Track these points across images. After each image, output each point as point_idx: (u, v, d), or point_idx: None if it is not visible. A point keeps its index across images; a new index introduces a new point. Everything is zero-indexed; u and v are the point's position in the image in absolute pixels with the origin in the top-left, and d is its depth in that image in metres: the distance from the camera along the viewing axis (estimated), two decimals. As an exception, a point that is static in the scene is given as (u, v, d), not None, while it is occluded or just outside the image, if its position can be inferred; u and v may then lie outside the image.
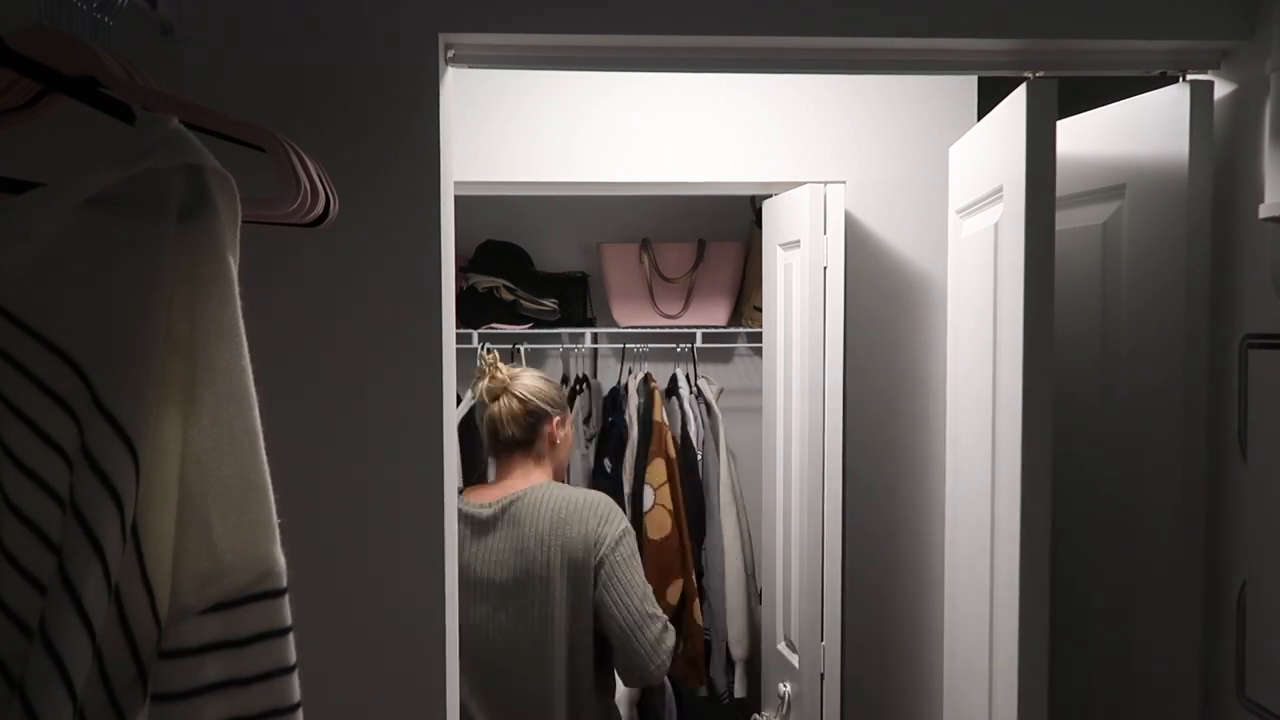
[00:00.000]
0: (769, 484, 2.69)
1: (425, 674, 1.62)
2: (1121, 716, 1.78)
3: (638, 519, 3.07)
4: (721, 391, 3.35)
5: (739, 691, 3.17)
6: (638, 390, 3.23)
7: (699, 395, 3.27)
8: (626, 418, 3.21)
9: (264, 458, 0.85)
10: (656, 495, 3.07)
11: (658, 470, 3.09)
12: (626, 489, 3.13)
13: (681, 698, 3.19)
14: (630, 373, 3.40)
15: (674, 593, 3.05)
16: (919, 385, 2.47)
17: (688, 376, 3.33)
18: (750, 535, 3.21)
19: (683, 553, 3.07)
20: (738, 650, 3.15)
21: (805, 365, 2.36)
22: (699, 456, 3.20)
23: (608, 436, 3.22)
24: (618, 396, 3.29)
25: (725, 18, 1.58)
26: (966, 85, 2.44)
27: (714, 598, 3.14)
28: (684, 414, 3.24)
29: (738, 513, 3.20)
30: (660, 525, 3.07)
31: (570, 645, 2.11)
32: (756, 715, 2.62)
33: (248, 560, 0.83)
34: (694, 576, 3.10)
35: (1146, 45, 1.65)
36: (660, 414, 3.15)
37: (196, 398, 0.81)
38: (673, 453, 3.13)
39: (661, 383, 3.39)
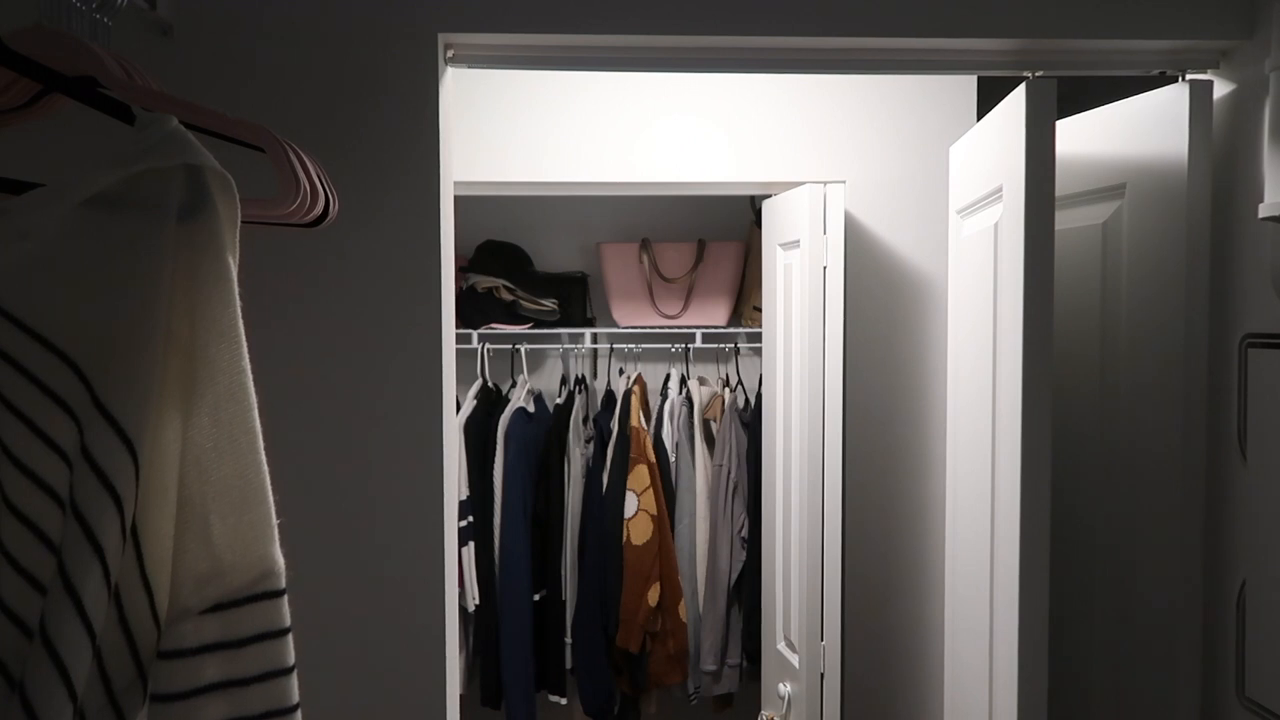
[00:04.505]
0: (769, 484, 2.69)
1: (425, 673, 1.62)
2: (1122, 715, 1.78)
3: (619, 525, 3.07)
4: (725, 390, 3.35)
5: (718, 690, 3.16)
6: (622, 394, 3.24)
7: (687, 398, 3.27)
8: (611, 421, 3.21)
9: (263, 458, 0.85)
10: (640, 501, 3.08)
11: (640, 476, 3.10)
12: (603, 491, 3.14)
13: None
14: (621, 373, 3.40)
15: (653, 595, 3.07)
16: (919, 385, 2.47)
17: (683, 378, 3.34)
18: (737, 542, 3.13)
19: (662, 556, 3.09)
20: (708, 661, 3.13)
21: (805, 365, 2.36)
22: (671, 459, 3.20)
23: (596, 439, 3.23)
24: (610, 399, 3.31)
25: (725, 18, 1.58)
26: (966, 85, 2.44)
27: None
28: (660, 418, 3.24)
29: (715, 518, 3.16)
30: (642, 531, 3.08)
31: None
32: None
33: (247, 560, 0.83)
34: (676, 576, 3.11)
35: (1146, 45, 1.65)
36: (638, 419, 3.15)
37: (196, 398, 0.81)
38: (653, 458, 3.13)
39: (656, 384, 3.39)
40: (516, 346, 3.37)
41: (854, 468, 2.46)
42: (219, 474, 0.82)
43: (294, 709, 0.87)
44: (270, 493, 0.85)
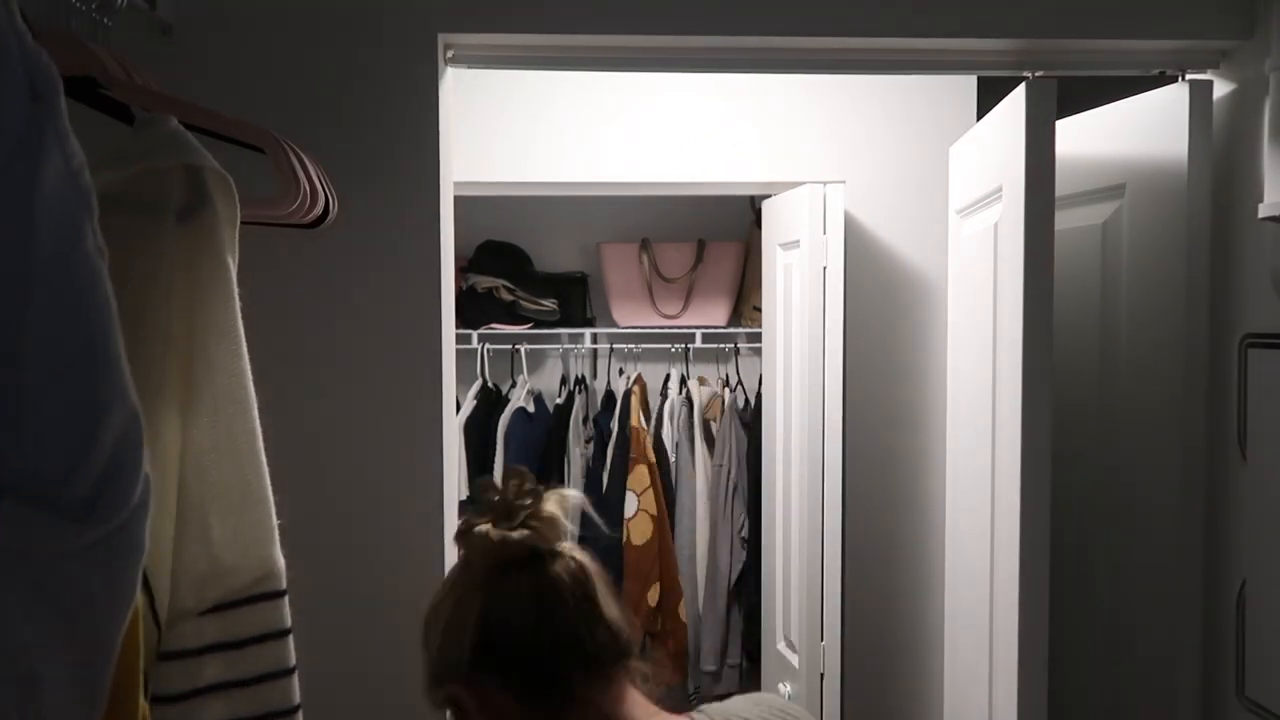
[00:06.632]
0: (769, 484, 2.69)
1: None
2: (1122, 716, 1.78)
3: (619, 526, 3.07)
4: (725, 390, 3.34)
5: (718, 690, 3.16)
6: (622, 394, 3.24)
7: (687, 398, 3.27)
8: (611, 422, 3.21)
9: (263, 459, 0.85)
10: (640, 501, 3.08)
11: (640, 476, 3.10)
12: (603, 491, 3.14)
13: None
14: (621, 373, 3.40)
15: (653, 595, 3.08)
16: (919, 385, 2.47)
17: (683, 378, 3.34)
18: (737, 542, 3.12)
19: (662, 556, 3.09)
20: (708, 661, 3.13)
21: (805, 365, 2.36)
22: (671, 460, 3.20)
23: (596, 439, 3.24)
24: (610, 399, 3.31)
25: (725, 18, 1.58)
26: (966, 85, 2.44)
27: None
28: (660, 418, 3.25)
29: (715, 518, 3.16)
30: (642, 531, 3.08)
31: None
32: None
33: (247, 561, 0.83)
34: (676, 576, 3.12)
35: (1146, 45, 1.65)
36: (637, 419, 3.15)
37: (195, 398, 0.81)
38: (653, 458, 3.14)
39: (656, 384, 3.39)
40: (516, 346, 3.37)
41: (854, 468, 2.46)
42: (218, 474, 0.82)
43: (295, 710, 0.87)
44: (270, 493, 0.85)
